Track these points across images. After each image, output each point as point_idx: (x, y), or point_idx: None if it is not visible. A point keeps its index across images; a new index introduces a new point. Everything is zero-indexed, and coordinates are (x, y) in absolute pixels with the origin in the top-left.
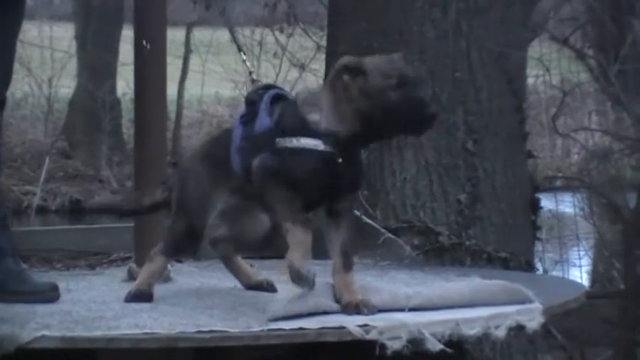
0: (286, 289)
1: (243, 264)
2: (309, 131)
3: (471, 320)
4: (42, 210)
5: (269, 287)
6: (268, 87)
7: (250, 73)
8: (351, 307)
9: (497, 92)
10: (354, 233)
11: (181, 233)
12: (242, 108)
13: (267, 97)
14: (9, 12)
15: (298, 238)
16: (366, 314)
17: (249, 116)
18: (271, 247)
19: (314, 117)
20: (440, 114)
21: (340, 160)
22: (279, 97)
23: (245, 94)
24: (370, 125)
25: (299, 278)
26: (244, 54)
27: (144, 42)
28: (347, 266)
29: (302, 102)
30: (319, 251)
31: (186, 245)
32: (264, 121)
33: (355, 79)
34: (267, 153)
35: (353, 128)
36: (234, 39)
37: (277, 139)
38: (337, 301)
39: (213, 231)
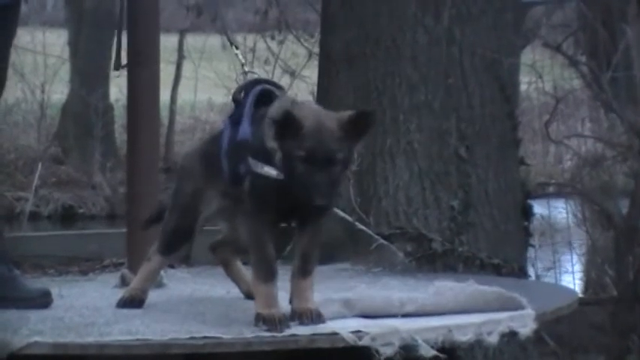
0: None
1: (244, 271)
2: (271, 159)
3: (464, 326)
4: (34, 216)
5: None
6: (256, 82)
7: (242, 65)
8: (295, 315)
9: (490, 99)
10: (321, 240)
11: (173, 231)
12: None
13: (251, 98)
14: (3, 20)
15: (261, 290)
16: (306, 324)
17: (236, 117)
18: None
19: (273, 144)
20: (329, 206)
21: None
22: (267, 95)
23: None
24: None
25: (268, 325)
26: (237, 48)
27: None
28: (304, 271)
29: (267, 123)
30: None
31: (178, 243)
32: (245, 129)
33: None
34: (244, 165)
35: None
36: (228, 38)
37: (249, 159)
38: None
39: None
